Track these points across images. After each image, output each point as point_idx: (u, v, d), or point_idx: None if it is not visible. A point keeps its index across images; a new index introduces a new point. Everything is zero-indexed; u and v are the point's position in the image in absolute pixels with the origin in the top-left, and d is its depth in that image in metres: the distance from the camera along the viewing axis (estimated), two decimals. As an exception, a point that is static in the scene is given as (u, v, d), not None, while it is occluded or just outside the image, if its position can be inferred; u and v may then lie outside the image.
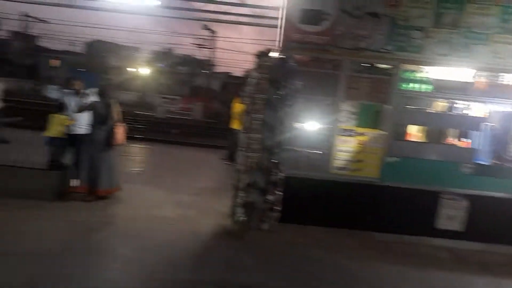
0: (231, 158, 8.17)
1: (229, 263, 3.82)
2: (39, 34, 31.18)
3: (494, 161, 4.61)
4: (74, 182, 5.28)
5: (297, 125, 4.71)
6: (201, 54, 31.57)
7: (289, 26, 4.57)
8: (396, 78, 4.56)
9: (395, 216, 4.69)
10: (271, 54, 4.74)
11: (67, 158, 5.49)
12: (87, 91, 5.87)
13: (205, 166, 8.89)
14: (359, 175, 4.69)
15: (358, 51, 4.53)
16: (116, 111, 5.44)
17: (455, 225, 4.65)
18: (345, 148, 4.67)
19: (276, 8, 7.46)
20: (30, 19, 29.87)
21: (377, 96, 4.60)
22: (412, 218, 4.71)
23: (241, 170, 4.56)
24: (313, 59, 4.83)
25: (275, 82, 4.52)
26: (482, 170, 4.57)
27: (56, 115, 5.63)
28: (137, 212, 5.07)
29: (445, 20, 4.41)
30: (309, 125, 4.82)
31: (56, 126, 5.63)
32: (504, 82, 4.64)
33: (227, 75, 33.75)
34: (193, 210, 5.36)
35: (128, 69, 27.17)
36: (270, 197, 4.53)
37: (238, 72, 32.61)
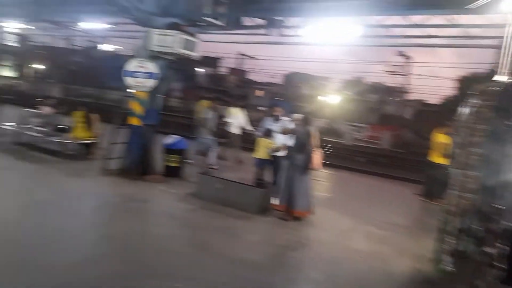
0: (428, 194, 7.28)
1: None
2: (249, 69, 37.19)
3: None
4: (274, 200, 5.81)
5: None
6: (392, 81, 30.28)
7: None
8: None
9: None
10: (495, 78, 4.01)
11: (270, 178, 6.14)
12: (288, 117, 6.47)
13: (395, 199, 8.26)
14: None
15: None
16: (315, 137, 5.73)
17: None
18: None
19: (497, 26, 6.38)
20: (243, 56, 36.10)
21: None
22: None
23: (451, 211, 3.92)
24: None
25: (503, 110, 3.76)
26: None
27: (262, 139, 6.43)
28: (329, 238, 5.10)
29: None
30: None
31: (262, 149, 6.42)
32: None
33: (421, 102, 30.92)
34: (386, 246, 5.00)
35: (319, 97, 28.70)
36: (488, 249, 3.71)
37: (433, 99, 29.49)
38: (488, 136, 3.75)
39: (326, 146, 17.00)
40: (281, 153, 6.07)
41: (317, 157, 5.70)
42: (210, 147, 8.36)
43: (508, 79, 3.97)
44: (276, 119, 6.56)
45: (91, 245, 4.13)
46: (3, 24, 13.19)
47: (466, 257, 3.77)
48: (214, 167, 8.12)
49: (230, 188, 5.99)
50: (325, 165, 10.56)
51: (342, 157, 14.52)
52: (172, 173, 7.21)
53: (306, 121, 5.85)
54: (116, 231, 4.57)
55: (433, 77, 31.38)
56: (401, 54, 26.92)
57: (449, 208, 3.98)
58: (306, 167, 5.57)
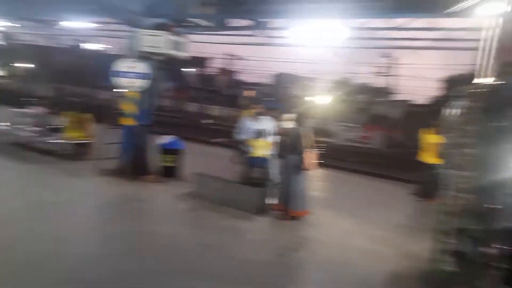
0: (423, 194, 7.42)
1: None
2: (238, 69, 37.29)
3: None
4: (271, 200, 5.92)
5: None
6: (380, 82, 30.73)
7: (505, 47, 3.93)
8: None
9: None
10: (480, 79, 4.18)
11: (267, 178, 6.25)
12: (271, 117, 6.54)
13: (390, 199, 8.40)
14: None
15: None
16: (308, 137, 5.86)
17: None
18: None
19: (476, 29, 6.58)
20: (232, 57, 36.24)
21: None
22: None
23: (448, 211, 4.03)
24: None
25: (491, 111, 3.92)
26: None
27: (256, 139, 6.53)
28: (328, 239, 5.21)
29: None
30: None
31: (258, 149, 6.52)
32: None
33: (408, 103, 31.45)
34: (385, 246, 5.10)
35: (308, 98, 28.94)
36: (488, 250, 3.75)
37: (420, 99, 29.99)
38: (478, 137, 3.90)
39: (319, 146, 17.11)
40: (274, 153, 6.19)
41: (310, 157, 5.82)
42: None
43: (494, 81, 4.13)
44: (258, 118, 6.55)
45: (99, 244, 4.20)
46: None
47: (466, 258, 3.81)
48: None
49: (228, 188, 6.08)
50: (319, 165, 10.70)
51: (335, 157, 14.69)
52: (168, 173, 7.27)
53: (298, 121, 5.97)
54: (120, 230, 4.64)
55: (419, 78, 31.91)
56: (386, 56, 27.31)
57: (445, 208, 4.05)
58: (300, 167, 5.69)
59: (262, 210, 5.80)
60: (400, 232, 5.73)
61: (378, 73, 30.20)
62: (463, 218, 3.83)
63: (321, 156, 6.32)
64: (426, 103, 28.69)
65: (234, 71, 38.00)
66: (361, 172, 11.53)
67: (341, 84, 31.62)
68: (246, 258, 4.24)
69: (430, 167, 6.81)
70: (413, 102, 30.99)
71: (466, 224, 3.81)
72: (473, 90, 4.07)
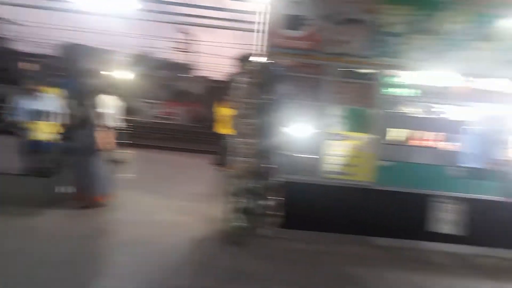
0: (220, 163, 8.13)
1: (229, 269, 3.76)
2: (11, 36, 30.20)
3: (484, 164, 4.75)
4: (62, 189, 5.22)
5: (289, 130, 4.73)
6: (179, 57, 31.44)
7: (272, 31, 4.61)
8: (380, 83, 4.74)
9: (391, 220, 4.74)
10: (256, 58, 4.83)
11: (55, 164, 5.43)
12: (52, 94, 5.79)
13: (194, 171, 8.85)
14: (354, 179, 4.73)
15: (340, 56, 4.65)
16: (98, 115, 5.36)
17: (449, 228, 4.74)
18: (338, 152, 4.72)
19: (254, 13, 7.52)
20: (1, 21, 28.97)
21: (363, 101, 4.75)
22: (407, 222, 4.78)
23: (236, 175, 4.57)
24: (300, 64, 4.96)
25: (263, 86, 4.62)
26: (472, 173, 4.71)
27: (37, 121, 5.56)
28: (133, 218, 5.01)
29: (422, 26, 4.54)
30: (301, 130, 4.84)
31: (40, 132, 5.56)
32: (482, 87, 4.87)
33: (208, 79, 33.65)
34: (189, 216, 5.29)
35: (107, 73, 26.69)
36: (265, 203, 4.54)
37: (219, 76, 32.58)
38: (256, 108, 4.56)
39: (122, 124, 16.14)
40: (61, 135, 5.46)
41: (107, 136, 5.42)
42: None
43: (265, 59, 4.82)
44: (39, 96, 5.69)
45: None
46: None
47: (251, 213, 4.49)
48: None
49: (7, 182, 4.98)
50: (122, 144, 10.14)
51: (140, 135, 14.27)
52: None
53: (89, 98, 5.40)
54: None
55: (216, 55, 34.53)
56: (183, 31, 28.14)
57: (234, 172, 4.58)
58: (93, 148, 5.22)
59: (54, 201, 5.05)
60: (202, 200, 6.15)
61: (177, 49, 30.72)
62: (248, 179, 4.47)
63: (123, 135, 5.96)
64: (223, 79, 31.40)
65: (5, 38, 30.58)
66: (167, 148, 11.70)
67: (141, 58, 30.55)
68: (43, 258, 3.63)
69: (224, 137, 7.52)
70: (212, 78, 33.38)
71: (250, 184, 4.47)
72: (251, 68, 4.65)
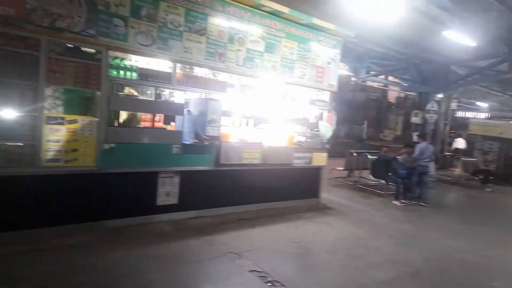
0: None
1: None
2: None
3: (194, 141, 5.48)
4: None
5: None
6: None
7: None
8: (105, 64, 4.56)
9: (121, 200, 4.83)
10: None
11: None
12: None
13: None
14: (75, 165, 4.43)
15: (56, 31, 4.18)
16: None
17: (172, 199, 5.27)
18: (55, 137, 4.27)
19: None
20: None
21: (85, 82, 4.44)
22: (136, 200, 4.99)
23: None
24: (3, 35, 4.05)
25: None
26: (187, 149, 5.34)
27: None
28: None
29: (143, 12, 4.72)
30: (6, 113, 4.06)
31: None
32: (198, 74, 5.59)
33: None
34: None
35: None
36: None
37: None
38: None
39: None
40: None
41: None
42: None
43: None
44: None
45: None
46: None
47: None
48: None
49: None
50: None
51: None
52: None
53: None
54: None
55: None
56: None
57: None
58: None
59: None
60: None
61: None
62: None
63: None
64: None
65: None
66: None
67: None
68: None
69: None
70: None
71: None
72: None
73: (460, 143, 18.47)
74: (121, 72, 4.79)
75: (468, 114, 23.23)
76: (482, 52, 11.21)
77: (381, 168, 9.08)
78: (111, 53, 4.65)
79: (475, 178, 12.77)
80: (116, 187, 4.78)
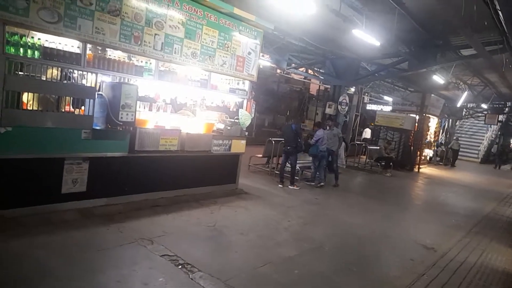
0: None
1: None
2: None
3: (107, 126, 5.27)
4: None
5: None
6: None
7: None
8: (0, 40, 4.15)
9: (21, 188, 4.50)
10: None
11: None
12: None
13: None
14: None
15: None
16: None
17: (80, 187, 5.03)
18: None
19: None
20: None
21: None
22: (38, 188, 4.67)
23: None
24: None
25: None
26: (98, 134, 5.14)
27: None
28: None
29: None
30: None
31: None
32: (111, 57, 5.36)
33: None
34: None
35: None
36: None
37: None
38: None
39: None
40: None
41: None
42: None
43: None
44: None
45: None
46: None
47: None
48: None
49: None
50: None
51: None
52: None
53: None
54: None
55: None
56: None
57: None
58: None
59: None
60: None
61: None
62: None
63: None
64: None
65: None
66: None
67: None
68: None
69: None
70: None
71: None
72: None
73: (367, 133, 20.31)
74: (21, 50, 4.40)
75: (377, 107, 25.76)
76: (387, 51, 12.49)
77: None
78: (9, 28, 4.24)
79: (378, 164, 14.33)
80: (14, 174, 4.43)
